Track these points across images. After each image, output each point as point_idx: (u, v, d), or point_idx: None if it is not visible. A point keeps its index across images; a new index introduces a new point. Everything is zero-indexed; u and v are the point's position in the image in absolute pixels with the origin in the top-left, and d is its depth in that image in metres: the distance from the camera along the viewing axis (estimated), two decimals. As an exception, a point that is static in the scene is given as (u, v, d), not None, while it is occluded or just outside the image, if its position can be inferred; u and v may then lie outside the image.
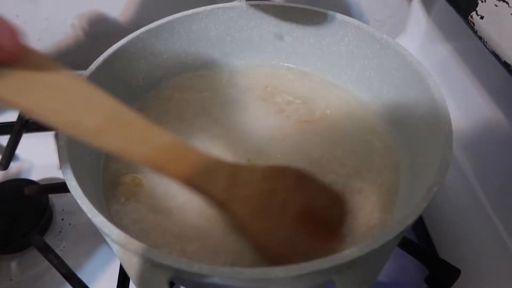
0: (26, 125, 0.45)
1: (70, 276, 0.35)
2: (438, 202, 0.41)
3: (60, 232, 0.41)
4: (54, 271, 0.36)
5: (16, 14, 0.52)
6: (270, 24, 0.39)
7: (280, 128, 0.36)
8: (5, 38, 0.18)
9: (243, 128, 0.36)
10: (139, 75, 0.37)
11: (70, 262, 0.36)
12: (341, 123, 0.36)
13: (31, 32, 0.54)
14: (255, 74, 0.41)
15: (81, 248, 0.40)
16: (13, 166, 0.46)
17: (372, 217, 0.30)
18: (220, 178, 0.25)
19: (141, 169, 0.32)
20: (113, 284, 0.35)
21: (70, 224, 0.42)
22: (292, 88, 0.40)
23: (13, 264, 0.39)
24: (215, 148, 0.34)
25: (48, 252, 0.36)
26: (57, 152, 0.26)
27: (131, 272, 0.22)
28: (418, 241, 0.39)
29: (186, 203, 0.31)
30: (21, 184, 0.41)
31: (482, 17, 0.34)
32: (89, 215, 0.23)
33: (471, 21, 0.36)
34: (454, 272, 0.34)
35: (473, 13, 0.35)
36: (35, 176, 0.45)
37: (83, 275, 0.36)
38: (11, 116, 0.48)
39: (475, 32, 0.35)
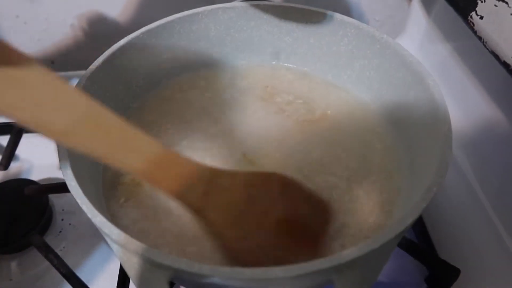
0: (26, 125, 0.45)
1: (70, 276, 0.35)
2: (438, 202, 0.41)
3: (60, 232, 0.41)
4: (54, 271, 0.36)
5: (16, 14, 0.52)
6: (270, 24, 0.39)
7: (280, 128, 0.36)
8: None
9: (243, 128, 0.36)
10: (139, 75, 0.37)
11: (70, 262, 0.36)
12: (341, 123, 0.36)
13: (31, 32, 0.54)
14: (255, 74, 0.41)
15: (81, 248, 0.40)
16: (13, 166, 0.46)
17: (372, 217, 0.30)
18: (197, 184, 0.24)
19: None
20: (113, 284, 0.35)
21: (70, 224, 0.42)
22: (292, 88, 0.40)
23: (13, 264, 0.39)
24: (214, 148, 0.34)
25: (48, 252, 0.36)
26: (57, 152, 0.26)
27: (131, 272, 0.22)
28: (418, 241, 0.39)
29: (186, 203, 0.31)
30: (21, 184, 0.41)
31: (481, 17, 0.34)
32: (89, 215, 0.23)
33: (470, 21, 0.36)
34: (454, 272, 0.34)
35: (473, 13, 0.35)
36: (35, 176, 0.45)
37: (83, 275, 0.36)
38: (11, 116, 0.48)
39: (475, 32, 0.35)
